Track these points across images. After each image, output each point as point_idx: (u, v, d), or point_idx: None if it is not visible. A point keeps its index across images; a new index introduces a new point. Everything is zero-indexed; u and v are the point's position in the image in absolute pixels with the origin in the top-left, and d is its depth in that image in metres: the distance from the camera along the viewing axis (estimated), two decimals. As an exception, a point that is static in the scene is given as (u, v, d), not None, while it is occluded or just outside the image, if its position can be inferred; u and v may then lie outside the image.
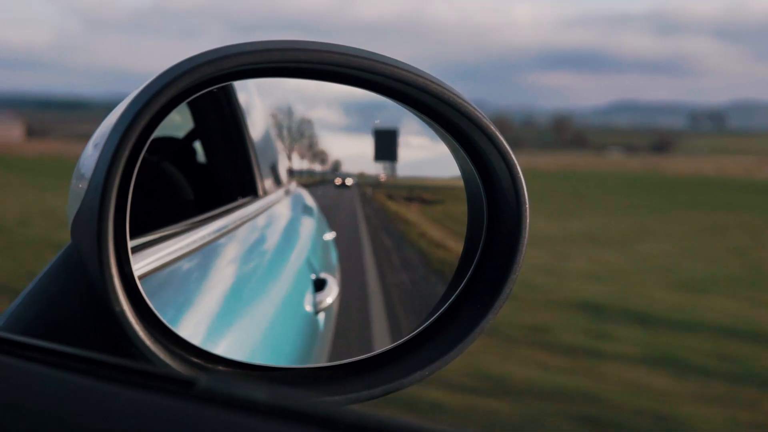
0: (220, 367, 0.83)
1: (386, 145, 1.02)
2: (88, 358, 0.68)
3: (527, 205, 0.85)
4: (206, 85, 0.80)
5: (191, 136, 1.20)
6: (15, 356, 0.70)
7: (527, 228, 0.85)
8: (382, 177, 1.11)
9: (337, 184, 1.17)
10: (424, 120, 0.92)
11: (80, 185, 0.82)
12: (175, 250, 1.03)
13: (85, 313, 0.82)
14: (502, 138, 0.84)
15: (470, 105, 0.85)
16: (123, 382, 0.62)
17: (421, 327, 0.90)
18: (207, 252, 1.11)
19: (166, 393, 0.58)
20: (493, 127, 0.85)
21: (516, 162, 0.85)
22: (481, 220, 0.91)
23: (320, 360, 1.14)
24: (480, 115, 0.85)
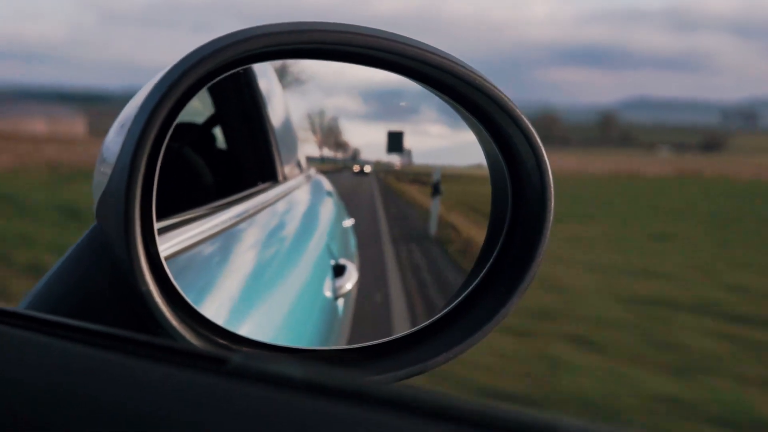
0: (245, 348, 0.83)
1: (395, 141, 1.08)
2: (116, 335, 0.68)
3: (552, 187, 0.84)
4: (232, 66, 0.80)
5: (211, 122, 1.20)
6: (42, 333, 0.70)
7: (552, 209, 0.85)
8: (398, 165, 1.12)
9: (356, 171, 1.20)
10: (448, 102, 0.92)
11: (105, 168, 0.82)
12: (197, 234, 1.03)
13: (111, 294, 0.82)
14: (526, 120, 0.84)
15: (496, 88, 0.85)
16: (153, 359, 0.62)
17: (446, 309, 0.90)
18: (228, 236, 1.11)
19: (198, 369, 0.59)
20: (518, 110, 0.85)
21: (541, 144, 0.84)
22: (505, 203, 0.90)
23: (340, 344, 1.14)
24: (505, 98, 0.85)
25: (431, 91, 0.91)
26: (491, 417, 0.49)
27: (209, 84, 0.79)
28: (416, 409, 0.50)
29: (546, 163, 0.84)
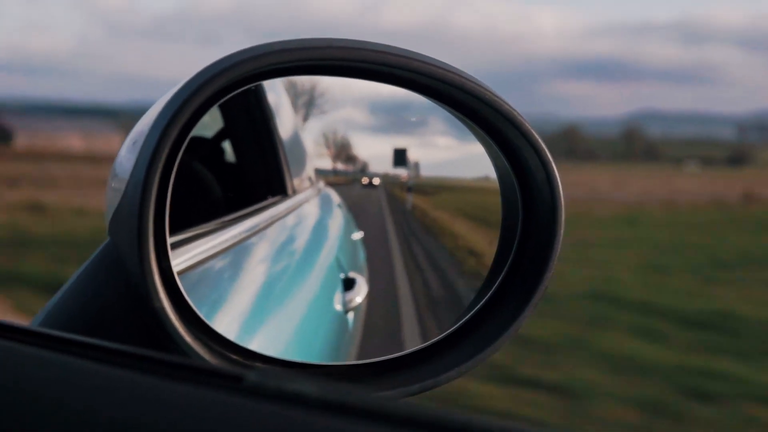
0: (258, 363, 0.83)
1: (400, 157, 1.16)
2: (129, 353, 0.68)
3: (562, 199, 0.85)
4: (244, 83, 0.81)
5: (220, 136, 1.21)
6: (55, 350, 0.70)
7: (563, 223, 0.85)
8: (404, 177, 1.17)
9: (365, 183, 1.22)
10: (457, 117, 0.92)
11: (117, 184, 0.83)
12: (207, 249, 1.03)
13: (124, 310, 0.82)
14: (536, 133, 0.84)
15: (505, 103, 0.85)
16: (169, 376, 0.63)
17: (457, 324, 0.90)
18: (238, 251, 1.11)
19: (214, 387, 0.59)
20: (527, 124, 0.85)
21: (550, 158, 0.85)
22: (516, 217, 0.91)
23: (350, 358, 1.14)
24: (514, 112, 0.85)
25: (441, 106, 0.91)
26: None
27: (222, 101, 0.80)
28: (431, 425, 0.50)
29: (556, 177, 0.84)
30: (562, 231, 0.86)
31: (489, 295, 0.89)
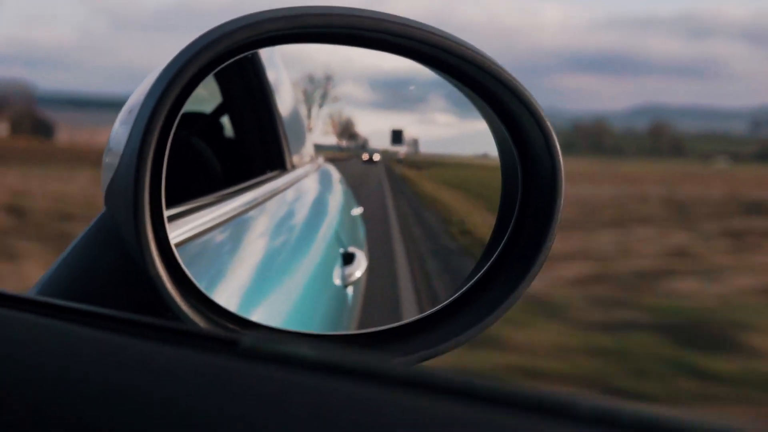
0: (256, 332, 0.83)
1: (397, 137, 1.21)
2: (126, 319, 0.68)
3: (562, 165, 0.84)
4: (240, 51, 0.80)
5: (219, 111, 1.20)
6: (53, 318, 0.70)
7: (563, 190, 0.85)
8: (402, 154, 1.21)
9: (365, 159, 1.24)
10: (456, 85, 0.91)
11: (112, 156, 0.82)
12: (206, 222, 1.03)
13: (121, 280, 0.82)
14: (535, 100, 0.84)
15: (506, 71, 0.84)
16: (164, 341, 0.62)
17: (457, 294, 0.90)
18: (237, 224, 1.11)
19: (210, 351, 0.58)
20: (527, 92, 0.84)
21: (549, 123, 0.84)
22: (515, 189, 0.90)
23: (349, 329, 1.14)
24: (514, 80, 0.84)
25: (441, 76, 0.91)
26: (508, 395, 0.49)
27: (217, 69, 0.79)
28: (430, 387, 0.50)
29: (556, 145, 0.83)
30: (562, 198, 0.85)
31: (487, 265, 0.89)
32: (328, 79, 1.17)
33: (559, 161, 0.84)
